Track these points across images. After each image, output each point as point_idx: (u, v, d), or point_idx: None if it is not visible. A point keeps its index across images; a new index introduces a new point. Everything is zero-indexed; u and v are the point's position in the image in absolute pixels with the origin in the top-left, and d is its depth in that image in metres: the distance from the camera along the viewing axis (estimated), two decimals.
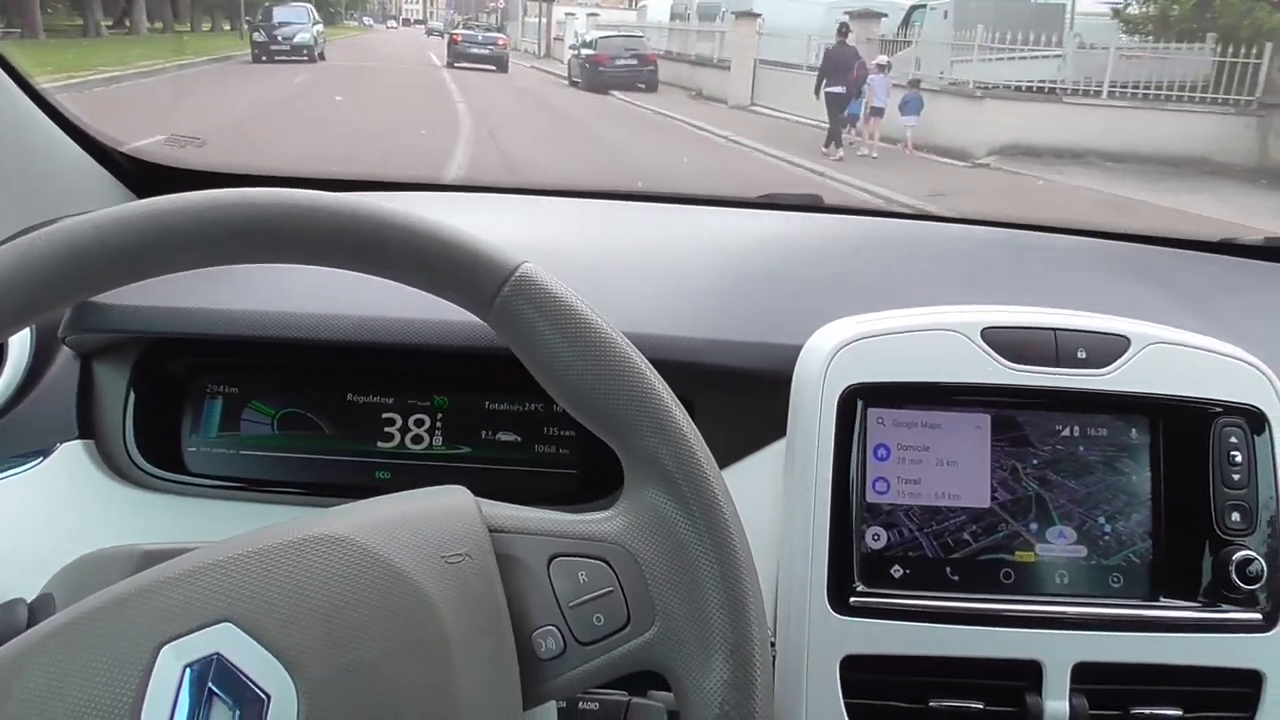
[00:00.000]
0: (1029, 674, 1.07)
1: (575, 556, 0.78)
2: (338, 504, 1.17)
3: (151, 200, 0.75)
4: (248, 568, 0.71)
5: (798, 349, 1.15)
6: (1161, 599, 1.10)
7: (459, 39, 30.45)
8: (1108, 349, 1.11)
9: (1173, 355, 1.12)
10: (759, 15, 21.65)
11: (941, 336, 1.11)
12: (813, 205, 1.94)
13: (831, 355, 1.09)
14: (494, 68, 28.49)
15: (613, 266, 1.43)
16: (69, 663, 0.68)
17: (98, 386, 1.22)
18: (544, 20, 40.63)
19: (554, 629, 0.77)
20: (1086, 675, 1.07)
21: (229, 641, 0.69)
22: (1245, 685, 1.09)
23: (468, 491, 0.81)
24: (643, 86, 23.19)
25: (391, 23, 75.09)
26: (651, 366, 0.81)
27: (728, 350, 1.21)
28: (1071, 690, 1.07)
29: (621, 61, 23.77)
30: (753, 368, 1.20)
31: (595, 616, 0.78)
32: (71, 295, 0.75)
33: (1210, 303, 1.47)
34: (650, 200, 1.94)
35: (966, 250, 1.71)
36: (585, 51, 24.89)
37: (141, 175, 1.73)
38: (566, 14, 36.12)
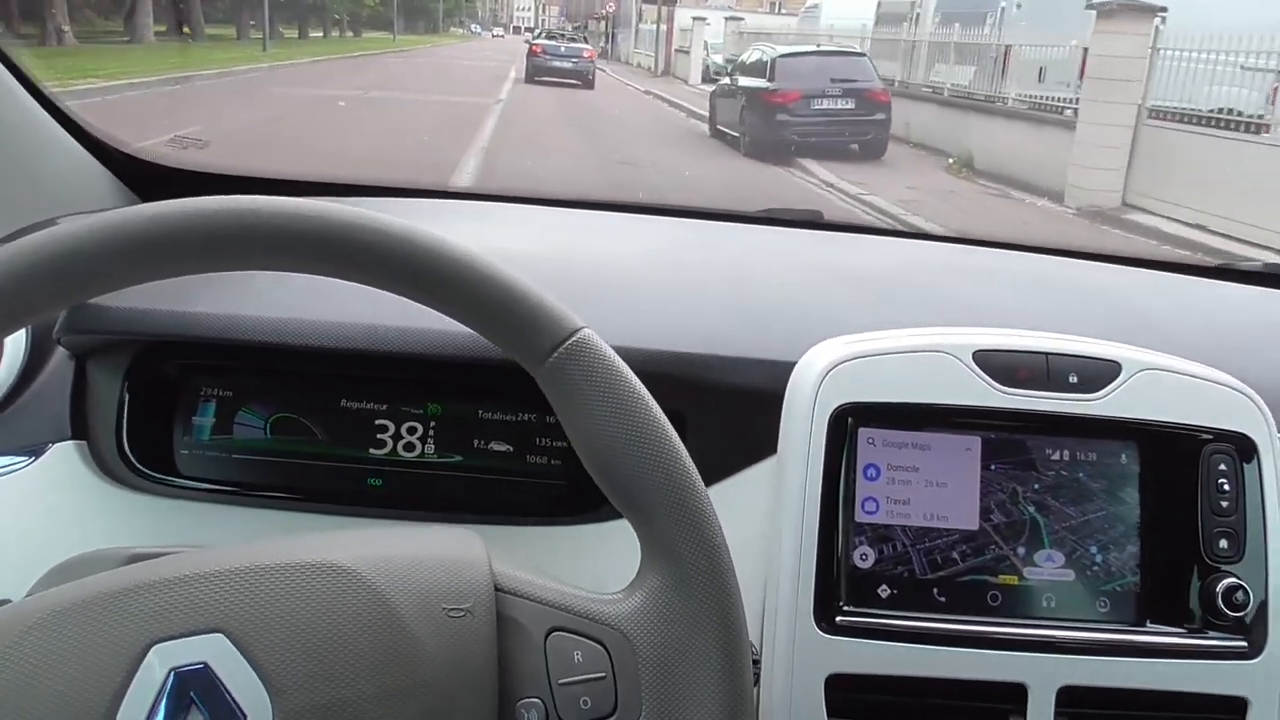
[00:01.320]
0: (1014, 697, 1.06)
1: (574, 634, 0.78)
2: (329, 510, 1.19)
3: (234, 199, 0.76)
4: (250, 582, 0.72)
5: (791, 366, 1.15)
6: (1148, 624, 1.10)
7: (538, 50, 26.87)
8: (1099, 374, 1.11)
9: (1163, 381, 1.11)
10: (1161, 10, 10.38)
11: (933, 358, 1.11)
12: (813, 221, 1.94)
13: (823, 374, 1.09)
14: (577, 83, 25.17)
15: (608, 278, 1.44)
16: (60, 645, 0.68)
17: (92, 387, 1.22)
18: (663, 27, 32.54)
19: (539, 702, 0.76)
20: (1071, 699, 1.06)
21: (219, 653, 0.69)
22: (1230, 712, 1.08)
23: (481, 542, 0.81)
24: (855, 148, 12.90)
25: (498, 30, 73.81)
26: (687, 455, 0.80)
27: (720, 366, 1.21)
28: (1056, 714, 1.06)
29: (825, 104, 13.17)
30: (745, 384, 1.20)
31: (583, 699, 0.77)
32: (130, 281, 0.77)
33: (1206, 328, 1.47)
34: (650, 213, 1.94)
35: (964, 271, 1.71)
36: (748, 82, 14.07)
37: (142, 176, 1.73)
38: (694, 19, 27.86)
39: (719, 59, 25.02)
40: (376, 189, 1.90)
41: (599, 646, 0.78)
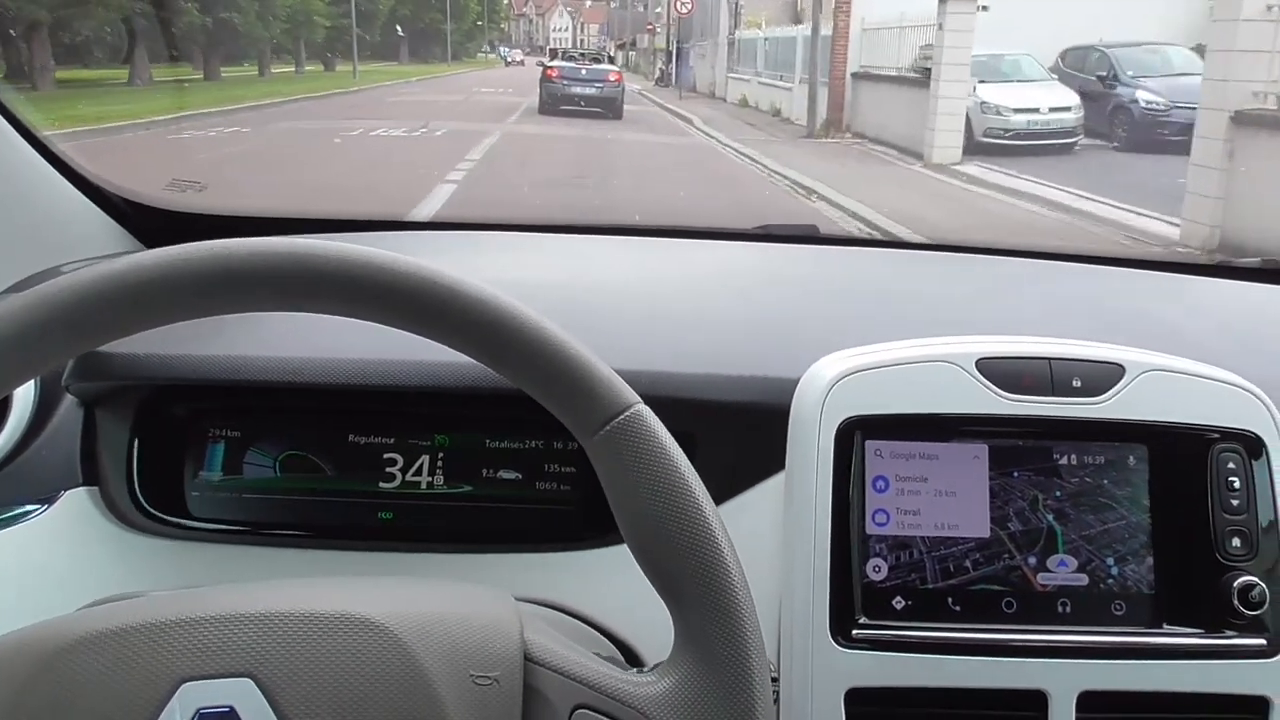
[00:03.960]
0: (1034, 704, 1.06)
1: (601, 714, 0.77)
2: (342, 546, 1.20)
3: (310, 242, 0.78)
4: (284, 630, 0.72)
5: (795, 382, 1.16)
6: (1165, 626, 1.10)
7: (554, 74, 22.29)
8: (1102, 377, 1.11)
9: (1167, 382, 1.12)
10: None
11: (937, 368, 1.11)
12: (809, 236, 1.95)
13: (828, 388, 1.10)
14: (602, 110, 21.19)
15: (609, 302, 1.44)
16: (92, 672, 0.69)
17: (101, 433, 1.23)
18: (825, 28, 16.96)
19: None
20: (1092, 704, 1.06)
21: (246, 697, 0.70)
22: (1252, 712, 1.08)
23: (515, 606, 0.81)
24: None
25: (514, 55, 68.91)
26: (730, 544, 0.80)
27: (726, 385, 1.21)
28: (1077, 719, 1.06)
29: None
30: (751, 401, 1.20)
31: None
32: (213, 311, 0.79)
33: (1207, 326, 1.47)
34: (645, 235, 1.95)
35: (962, 278, 1.72)
36: None
37: (143, 220, 1.75)
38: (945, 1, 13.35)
39: (1009, 104, 13.94)
40: (373, 224, 1.91)
41: None
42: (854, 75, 16.84)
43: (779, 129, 18.01)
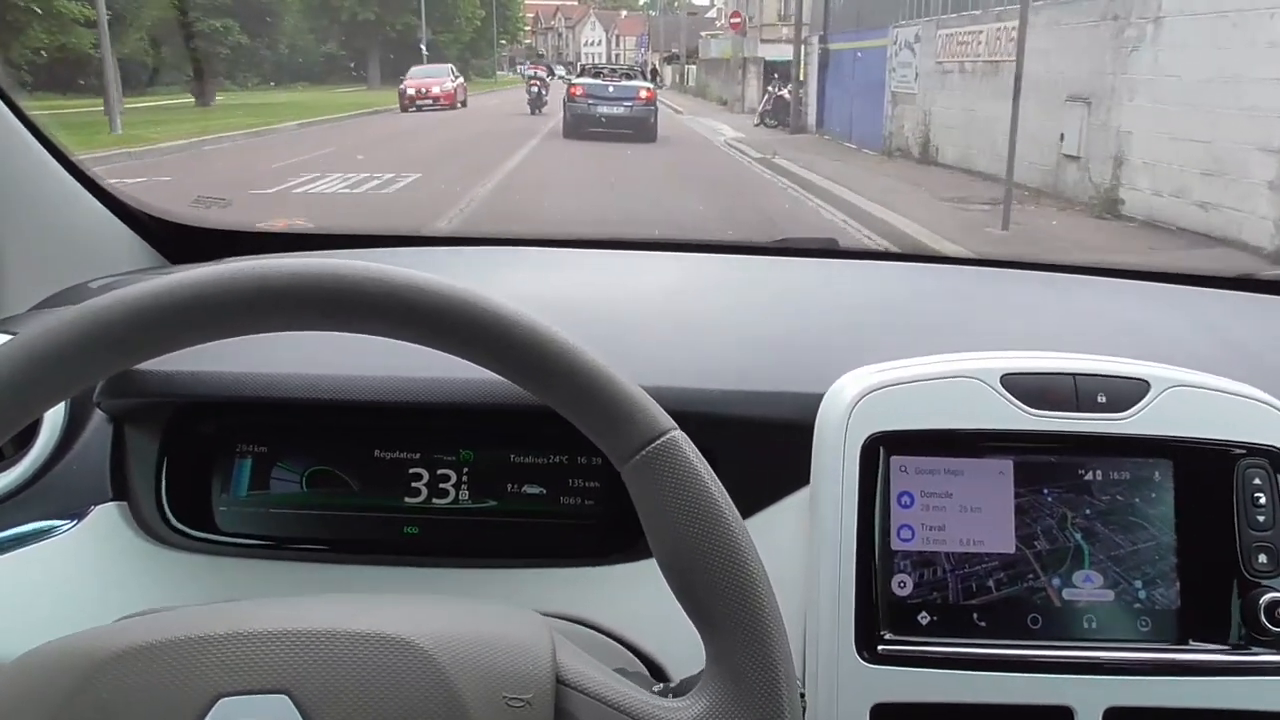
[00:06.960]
0: None
1: None
2: (368, 560, 1.21)
3: (354, 264, 0.80)
4: (320, 648, 0.73)
5: (819, 397, 1.16)
6: (1190, 642, 1.09)
7: (579, 92, 20.27)
8: (1127, 393, 1.11)
9: (1192, 397, 1.12)
10: None
11: (962, 384, 1.11)
12: (828, 250, 1.95)
13: (853, 404, 1.10)
14: (632, 132, 19.26)
15: (631, 317, 1.45)
16: (133, 686, 0.70)
17: (130, 449, 1.24)
18: None
19: None
20: None
21: (281, 714, 0.70)
22: None
23: (548, 628, 0.81)
24: None
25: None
26: (763, 569, 0.81)
27: (749, 401, 1.21)
28: None
29: None
30: (774, 417, 1.20)
31: None
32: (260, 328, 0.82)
33: (1231, 340, 1.47)
34: (665, 249, 1.96)
35: (983, 293, 1.72)
36: None
37: (166, 236, 1.76)
38: None
39: None
40: (395, 239, 1.94)
41: None
42: None
43: None
